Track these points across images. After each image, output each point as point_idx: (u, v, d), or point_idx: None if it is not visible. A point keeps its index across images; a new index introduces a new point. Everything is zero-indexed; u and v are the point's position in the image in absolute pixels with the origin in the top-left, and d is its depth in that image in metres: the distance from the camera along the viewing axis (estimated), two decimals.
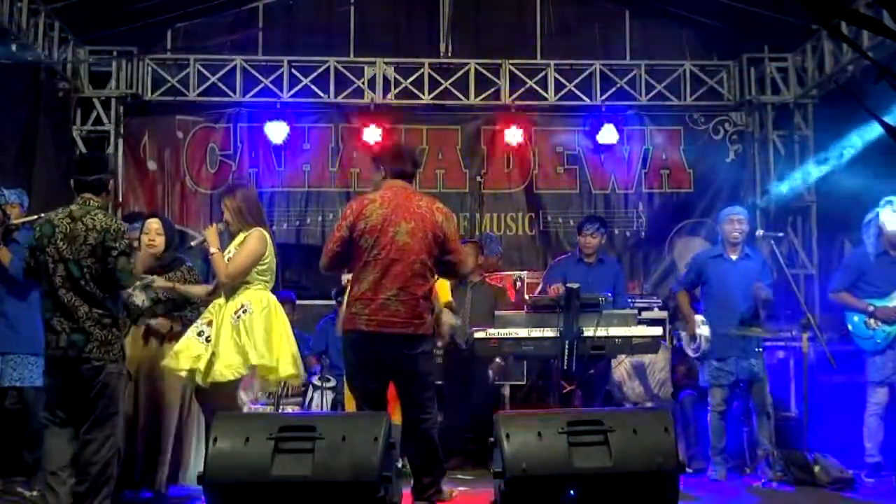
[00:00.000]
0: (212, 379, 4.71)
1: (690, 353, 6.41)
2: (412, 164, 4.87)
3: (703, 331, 6.12)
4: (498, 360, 6.63)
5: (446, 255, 4.68)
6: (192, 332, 4.84)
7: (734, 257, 6.26)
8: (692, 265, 6.51)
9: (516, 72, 8.94)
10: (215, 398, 4.79)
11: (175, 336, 5.13)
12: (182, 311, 5.26)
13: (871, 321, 6.01)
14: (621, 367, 6.99)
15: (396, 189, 4.68)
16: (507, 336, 5.55)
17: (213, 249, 4.88)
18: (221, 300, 4.88)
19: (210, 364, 4.70)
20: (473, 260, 6.92)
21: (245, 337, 4.70)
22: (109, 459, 4.28)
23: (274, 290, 5.10)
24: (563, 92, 8.95)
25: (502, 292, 7.07)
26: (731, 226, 6.26)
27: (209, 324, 4.80)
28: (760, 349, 6.17)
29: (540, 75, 8.96)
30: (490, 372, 6.74)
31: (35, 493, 5.44)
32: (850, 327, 6.16)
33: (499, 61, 8.93)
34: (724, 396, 6.15)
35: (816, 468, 5.66)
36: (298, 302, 7.82)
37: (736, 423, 6.28)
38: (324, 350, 7.32)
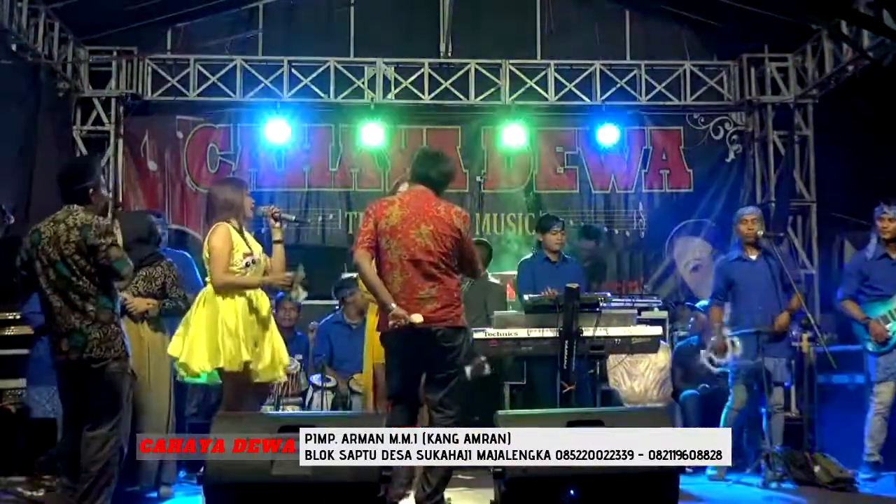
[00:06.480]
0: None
1: (713, 368, 6.41)
2: (439, 172, 4.74)
3: (737, 350, 6.10)
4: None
5: (463, 256, 4.68)
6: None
7: (754, 257, 6.26)
8: (717, 274, 6.45)
9: (516, 72, 8.92)
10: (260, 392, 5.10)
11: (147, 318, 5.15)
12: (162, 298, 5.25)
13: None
14: (621, 366, 6.98)
15: (417, 193, 4.68)
16: (507, 336, 5.55)
17: (278, 236, 5.12)
18: (255, 294, 4.92)
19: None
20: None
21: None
22: (111, 459, 4.23)
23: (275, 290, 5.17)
24: (563, 92, 8.93)
25: (500, 290, 7.06)
26: (746, 226, 6.28)
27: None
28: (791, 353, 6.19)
29: (540, 75, 8.95)
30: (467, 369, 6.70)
31: (35, 493, 5.45)
32: (856, 331, 6.17)
33: (499, 61, 8.92)
34: (746, 396, 6.13)
35: (816, 468, 5.66)
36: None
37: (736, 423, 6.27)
38: (326, 355, 7.19)
